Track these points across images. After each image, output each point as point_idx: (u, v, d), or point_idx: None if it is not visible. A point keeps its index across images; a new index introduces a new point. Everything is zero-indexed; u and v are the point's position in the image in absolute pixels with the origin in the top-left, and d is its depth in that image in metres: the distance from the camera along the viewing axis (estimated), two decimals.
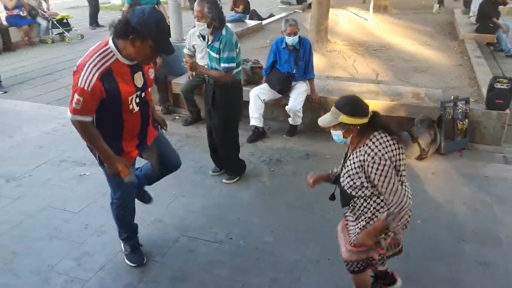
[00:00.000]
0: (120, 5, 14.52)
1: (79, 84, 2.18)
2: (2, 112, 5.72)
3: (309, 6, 11.29)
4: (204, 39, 4.13)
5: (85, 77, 2.18)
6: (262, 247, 3.10)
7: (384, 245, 2.23)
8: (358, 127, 2.09)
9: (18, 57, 8.70)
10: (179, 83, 5.51)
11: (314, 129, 5.09)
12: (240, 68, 3.68)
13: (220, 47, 3.46)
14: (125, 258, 2.98)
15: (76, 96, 2.21)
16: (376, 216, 2.15)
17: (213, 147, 4.03)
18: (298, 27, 4.66)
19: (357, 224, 2.25)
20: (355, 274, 2.37)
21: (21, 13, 9.69)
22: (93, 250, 3.09)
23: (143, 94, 2.49)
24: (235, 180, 3.99)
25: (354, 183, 2.13)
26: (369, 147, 2.06)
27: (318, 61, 6.66)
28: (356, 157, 2.11)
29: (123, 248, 3.03)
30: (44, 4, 10.72)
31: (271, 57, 4.86)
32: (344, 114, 2.05)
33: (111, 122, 2.43)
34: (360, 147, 2.11)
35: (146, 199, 3.25)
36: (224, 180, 3.99)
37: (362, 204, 2.17)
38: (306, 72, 4.86)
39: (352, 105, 2.08)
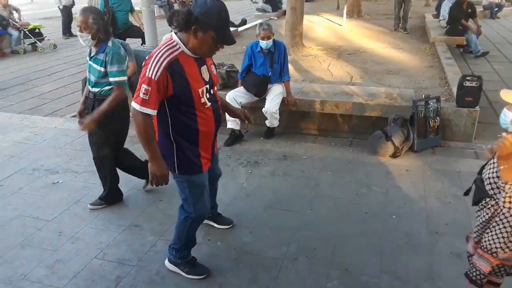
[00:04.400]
0: None
1: (147, 74, 2.17)
2: None
3: (284, 13, 11.40)
4: None
5: (152, 66, 2.17)
6: (240, 248, 3.09)
7: None
8: None
9: None
10: None
11: (291, 131, 5.14)
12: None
13: (107, 59, 3.20)
14: (186, 275, 2.81)
15: (144, 86, 2.18)
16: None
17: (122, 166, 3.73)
18: (272, 31, 4.71)
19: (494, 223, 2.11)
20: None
21: None
22: (67, 257, 3.02)
23: (211, 91, 2.44)
24: (101, 207, 3.64)
25: None
26: None
27: (293, 65, 6.75)
28: None
29: (177, 269, 2.84)
30: (15, 14, 10.52)
31: (246, 61, 4.89)
32: None
33: (186, 121, 2.36)
34: None
35: (228, 221, 3.37)
36: (89, 205, 3.64)
37: None
38: (282, 75, 4.90)
39: None
